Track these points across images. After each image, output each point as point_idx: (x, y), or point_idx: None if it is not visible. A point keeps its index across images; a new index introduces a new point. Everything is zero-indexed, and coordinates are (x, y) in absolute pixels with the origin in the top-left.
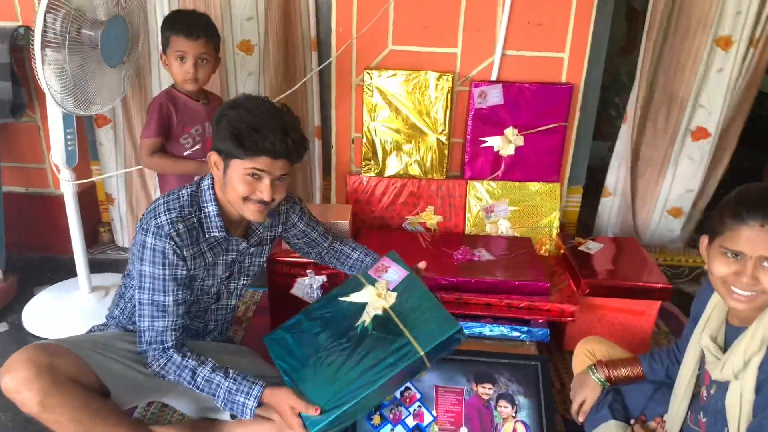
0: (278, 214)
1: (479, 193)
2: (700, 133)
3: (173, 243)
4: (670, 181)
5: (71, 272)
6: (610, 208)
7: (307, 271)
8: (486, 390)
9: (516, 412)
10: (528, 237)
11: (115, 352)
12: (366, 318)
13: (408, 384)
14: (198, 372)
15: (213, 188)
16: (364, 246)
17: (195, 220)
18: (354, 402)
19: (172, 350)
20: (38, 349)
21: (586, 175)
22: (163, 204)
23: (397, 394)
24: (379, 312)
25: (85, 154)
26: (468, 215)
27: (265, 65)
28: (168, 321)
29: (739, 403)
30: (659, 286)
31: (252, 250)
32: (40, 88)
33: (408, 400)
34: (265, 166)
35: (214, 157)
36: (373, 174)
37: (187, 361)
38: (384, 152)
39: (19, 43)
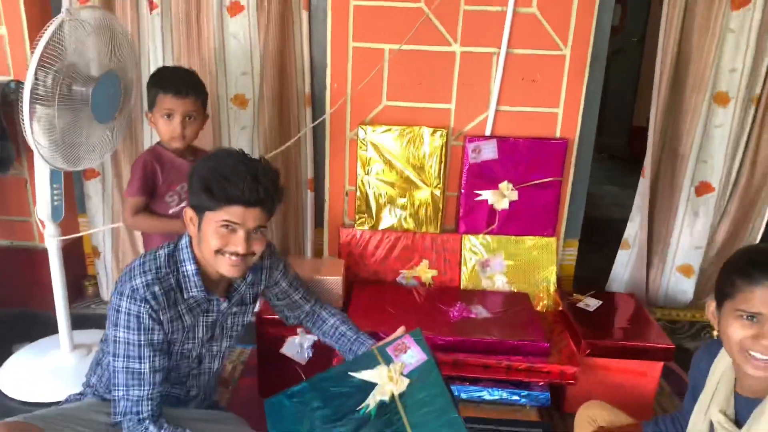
0: (260, 270)
1: (475, 247)
2: (704, 188)
3: (149, 306)
4: (677, 236)
5: (53, 328)
6: (627, 260)
7: (298, 330)
8: None
9: None
10: (525, 292)
11: (90, 426)
12: (371, 402)
13: None
14: None
15: (191, 246)
16: (343, 313)
17: (173, 280)
18: None
19: (147, 422)
20: (7, 429)
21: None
22: (139, 266)
23: None
24: (386, 398)
25: (72, 208)
26: (464, 269)
27: (259, 119)
28: (144, 390)
29: None
30: (662, 346)
31: (234, 310)
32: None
33: None
34: (238, 218)
35: (189, 213)
36: (366, 227)
37: None
38: (378, 205)
39: (9, 97)
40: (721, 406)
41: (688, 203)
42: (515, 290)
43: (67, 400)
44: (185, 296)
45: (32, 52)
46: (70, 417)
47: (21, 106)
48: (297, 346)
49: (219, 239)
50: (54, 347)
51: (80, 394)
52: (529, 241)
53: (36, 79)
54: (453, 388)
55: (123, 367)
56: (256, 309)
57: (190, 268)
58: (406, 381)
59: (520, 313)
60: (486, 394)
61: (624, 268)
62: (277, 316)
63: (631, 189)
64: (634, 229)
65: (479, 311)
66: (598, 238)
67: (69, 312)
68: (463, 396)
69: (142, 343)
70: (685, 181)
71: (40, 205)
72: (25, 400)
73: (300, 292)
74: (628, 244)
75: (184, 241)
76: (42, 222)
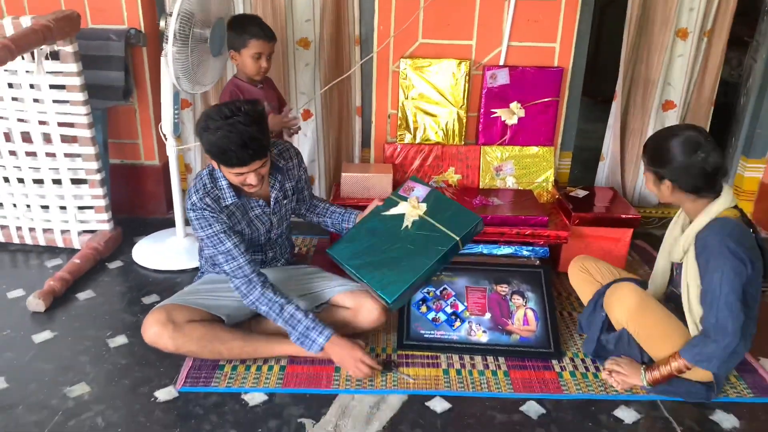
0: (289, 169)
1: (490, 155)
2: (669, 105)
3: (208, 211)
4: None
5: (158, 228)
6: (603, 170)
7: None
8: (503, 289)
9: (526, 303)
10: (529, 189)
11: (213, 291)
12: (408, 223)
13: (445, 285)
14: (285, 308)
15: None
16: (329, 201)
17: (217, 191)
18: (417, 277)
19: (255, 282)
20: (159, 310)
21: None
22: (193, 187)
23: (438, 292)
24: (416, 218)
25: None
26: (482, 173)
27: (319, 58)
28: (238, 259)
29: (687, 274)
30: (630, 216)
31: (284, 201)
32: (136, 77)
33: (446, 296)
34: (242, 170)
35: (211, 159)
36: (406, 141)
37: (278, 297)
38: (415, 124)
39: (130, 41)
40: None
41: (656, 117)
42: (522, 188)
43: (198, 277)
44: (225, 203)
45: (144, 7)
46: (199, 291)
47: (164, 45)
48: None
49: (237, 180)
50: (170, 235)
51: (201, 272)
52: (533, 150)
53: (174, 24)
54: (477, 247)
55: (218, 252)
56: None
57: (224, 183)
58: (424, 205)
59: (527, 201)
60: (502, 250)
61: (602, 174)
62: (343, 202)
63: None
64: (608, 143)
65: (495, 201)
66: (588, 160)
67: (182, 209)
68: (485, 251)
69: (218, 231)
70: (654, 102)
71: (165, 122)
72: (156, 268)
73: (308, 189)
74: (604, 156)
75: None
76: (165, 136)
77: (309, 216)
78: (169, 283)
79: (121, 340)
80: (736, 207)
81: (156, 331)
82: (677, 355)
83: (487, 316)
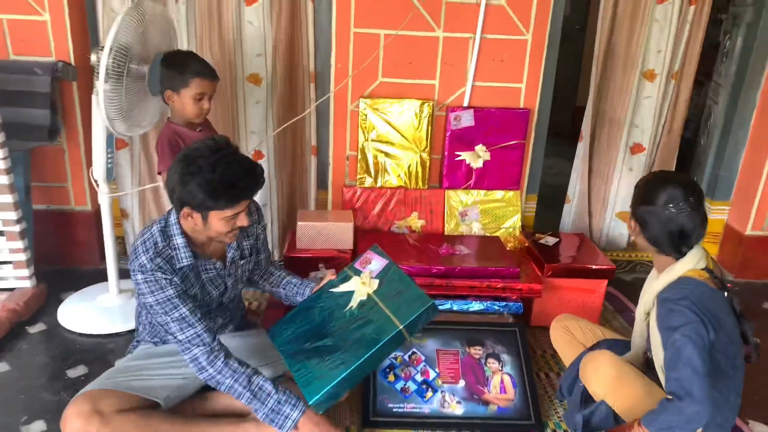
0: (251, 225)
1: (455, 200)
2: (638, 148)
3: (160, 273)
4: (616, 188)
5: (90, 281)
6: (570, 212)
7: (319, 265)
8: (477, 351)
9: (502, 367)
10: (496, 236)
11: (148, 369)
12: (353, 303)
13: (414, 349)
14: (253, 379)
15: (179, 222)
16: (286, 270)
17: (170, 251)
18: (345, 373)
19: (217, 352)
20: (83, 398)
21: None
22: (141, 245)
23: (406, 357)
24: (364, 297)
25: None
26: (447, 218)
27: (271, 95)
28: (197, 326)
29: (653, 337)
30: (605, 267)
31: (241, 262)
32: (65, 115)
33: (415, 362)
34: (242, 207)
35: (186, 210)
36: (366, 185)
37: (243, 368)
38: (376, 166)
39: (58, 75)
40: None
41: (624, 161)
42: (488, 234)
43: (129, 351)
44: (180, 264)
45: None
46: (132, 369)
47: (96, 82)
48: (317, 281)
49: (227, 226)
50: (101, 292)
51: (137, 341)
52: (498, 194)
53: (107, 59)
54: (446, 303)
55: (171, 320)
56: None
57: (179, 241)
58: (376, 281)
59: (494, 249)
60: (473, 306)
61: (569, 217)
62: (298, 255)
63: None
64: (574, 185)
65: (462, 249)
66: (550, 200)
67: (117, 262)
68: (455, 308)
69: (171, 295)
70: (621, 143)
71: (96, 167)
72: (85, 332)
73: (266, 252)
74: (569, 198)
75: (173, 218)
76: (96, 182)
77: (262, 284)
78: (99, 350)
79: (38, 427)
80: (706, 268)
81: (78, 427)
82: (638, 424)
83: (461, 383)
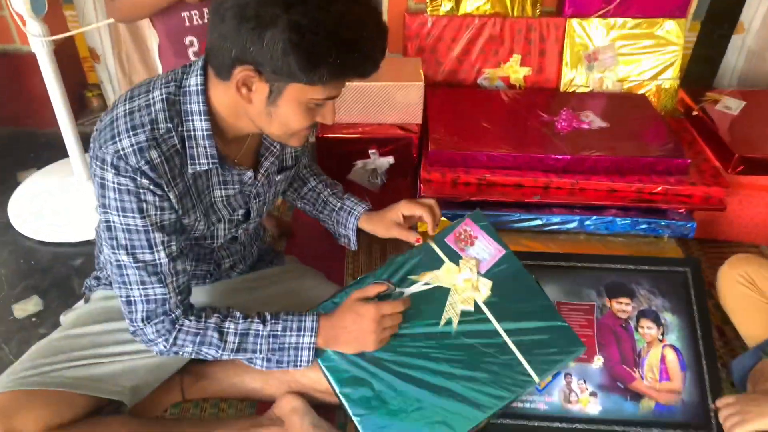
0: None
1: (582, 34)
2: None
3: (148, 180)
4: None
5: (61, 150)
6: (740, 49)
7: (370, 151)
8: (623, 306)
9: (663, 334)
10: (642, 94)
11: (103, 346)
12: (452, 314)
13: None
14: (225, 327)
15: (205, 91)
16: (327, 177)
17: (176, 140)
18: None
19: (182, 320)
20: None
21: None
22: (125, 116)
23: None
24: (469, 307)
25: None
26: (565, 65)
27: None
28: (168, 284)
29: None
30: None
31: (278, 177)
32: None
33: None
34: (341, 89)
35: (243, 73)
36: (442, 12)
37: (206, 320)
38: None
39: None
40: None
41: None
42: (627, 90)
43: (83, 293)
44: (193, 168)
45: None
46: (73, 349)
47: None
48: (368, 173)
49: (308, 118)
50: (66, 173)
51: (94, 278)
52: (652, 24)
53: None
54: (571, 220)
55: (130, 263)
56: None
57: (199, 126)
58: (489, 283)
59: (644, 120)
60: (616, 225)
61: (737, 58)
62: (340, 135)
63: None
64: (754, 6)
65: (592, 119)
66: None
67: (77, 130)
68: (589, 226)
69: (149, 227)
70: None
71: None
72: (43, 240)
73: (308, 152)
74: (743, 28)
75: (194, 81)
76: (21, 17)
77: (289, 194)
78: (62, 269)
79: None
80: None
81: None
82: None
83: (598, 362)
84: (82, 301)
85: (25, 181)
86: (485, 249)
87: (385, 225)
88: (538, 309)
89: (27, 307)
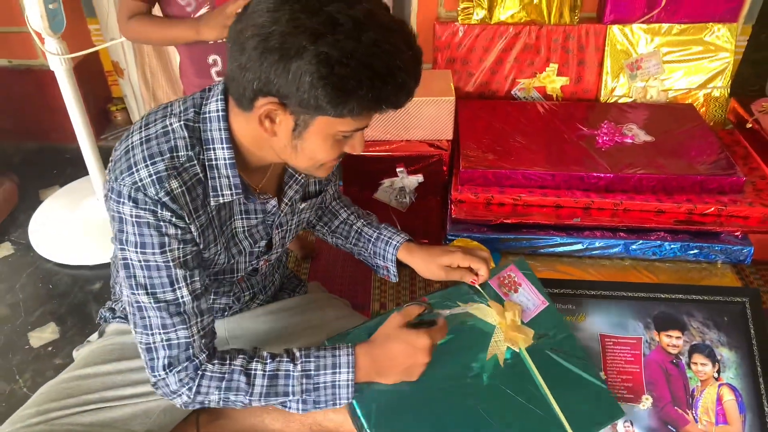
0: None
1: (624, 41)
2: None
3: (170, 212)
4: None
5: (84, 166)
6: None
7: (398, 169)
8: (673, 341)
9: (719, 372)
10: (689, 104)
11: (115, 388)
12: (497, 350)
13: None
14: (252, 369)
15: (226, 117)
16: (358, 207)
17: (198, 168)
18: None
19: (206, 363)
20: None
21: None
22: (141, 144)
23: None
24: (505, 355)
25: (77, 11)
26: (605, 74)
27: None
28: (191, 325)
29: None
30: None
31: (302, 206)
32: None
33: None
34: (370, 120)
35: (267, 106)
36: (474, 20)
37: (230, 363)
38: None
39: None
40: None
41: None
42: (675, 100)
43: (98, 323)
44: (217, 200)
45: None
46: (81, 391)
47: None
48: (395, 191)
49: (335, 151)
50: (88, 192)
51: (108, 309)
52: (701, 30)
53: None
54: (615, 244)
55: (151, 303)
56: None
57: (222, 155)
58: (531, 332)
59: (692, 132)
60: (664, 250)
61: None
62: (366, 153)
63: None
64: None
65: (636, 133)
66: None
67: (97, 147)
68: (634, 251)
69: (170, 262)
70: None
71: (31, 12)
72: (61, 262)
73: (336, 184)
74: None
75: (214, 107)
76: (39, 35)
77: (319, 228)
78: (79, 295)
79: None
80: None
81: None
82: None
83: (646, 402)
84: (96, 335)
85: (47, 200)
86: (528, 299)
87: (434, 267)
88: (575, 363)
89: (43, 335)
